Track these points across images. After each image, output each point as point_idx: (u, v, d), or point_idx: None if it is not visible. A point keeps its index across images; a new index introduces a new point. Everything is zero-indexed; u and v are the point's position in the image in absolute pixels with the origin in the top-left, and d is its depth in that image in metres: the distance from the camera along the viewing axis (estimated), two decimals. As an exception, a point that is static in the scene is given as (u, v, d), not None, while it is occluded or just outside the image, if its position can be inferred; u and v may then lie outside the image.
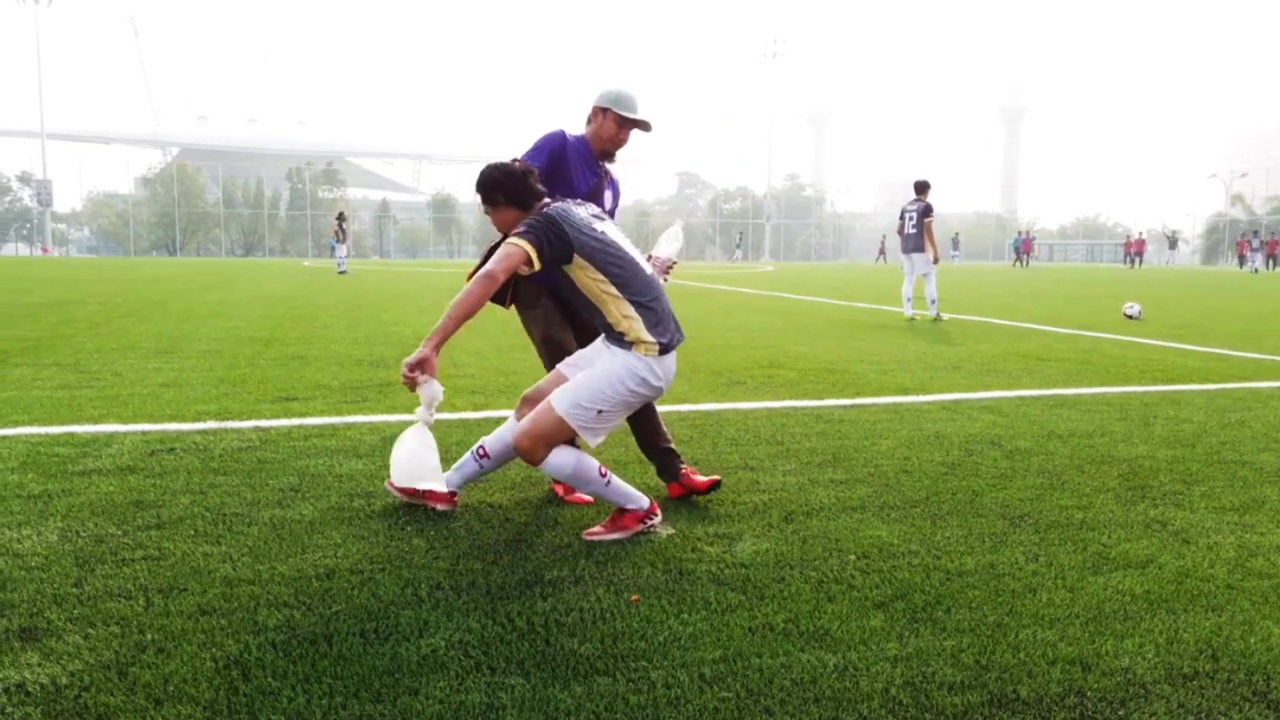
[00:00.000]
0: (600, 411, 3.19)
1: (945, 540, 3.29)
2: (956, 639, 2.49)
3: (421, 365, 3.24)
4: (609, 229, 3.36)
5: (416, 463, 3.49)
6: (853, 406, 5.88)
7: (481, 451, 3.58)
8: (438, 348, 3.24)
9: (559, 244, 3.20)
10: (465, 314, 3.19)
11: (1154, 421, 5.48)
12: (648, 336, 3.25)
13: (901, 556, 3.12)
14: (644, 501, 3.32)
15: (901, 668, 2.32)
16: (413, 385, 3.28)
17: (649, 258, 3.57)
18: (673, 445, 3.83)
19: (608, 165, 3.85)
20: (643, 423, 3.80)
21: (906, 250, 13.12)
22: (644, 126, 3.72)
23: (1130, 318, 12.95)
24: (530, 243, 3.18)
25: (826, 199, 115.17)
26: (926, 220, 12.85)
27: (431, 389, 3.33)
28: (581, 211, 3.33)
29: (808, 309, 15.03)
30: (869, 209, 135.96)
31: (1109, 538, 3.35)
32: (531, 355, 8.06)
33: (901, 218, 13.25)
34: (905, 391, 6.46)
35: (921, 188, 13.07)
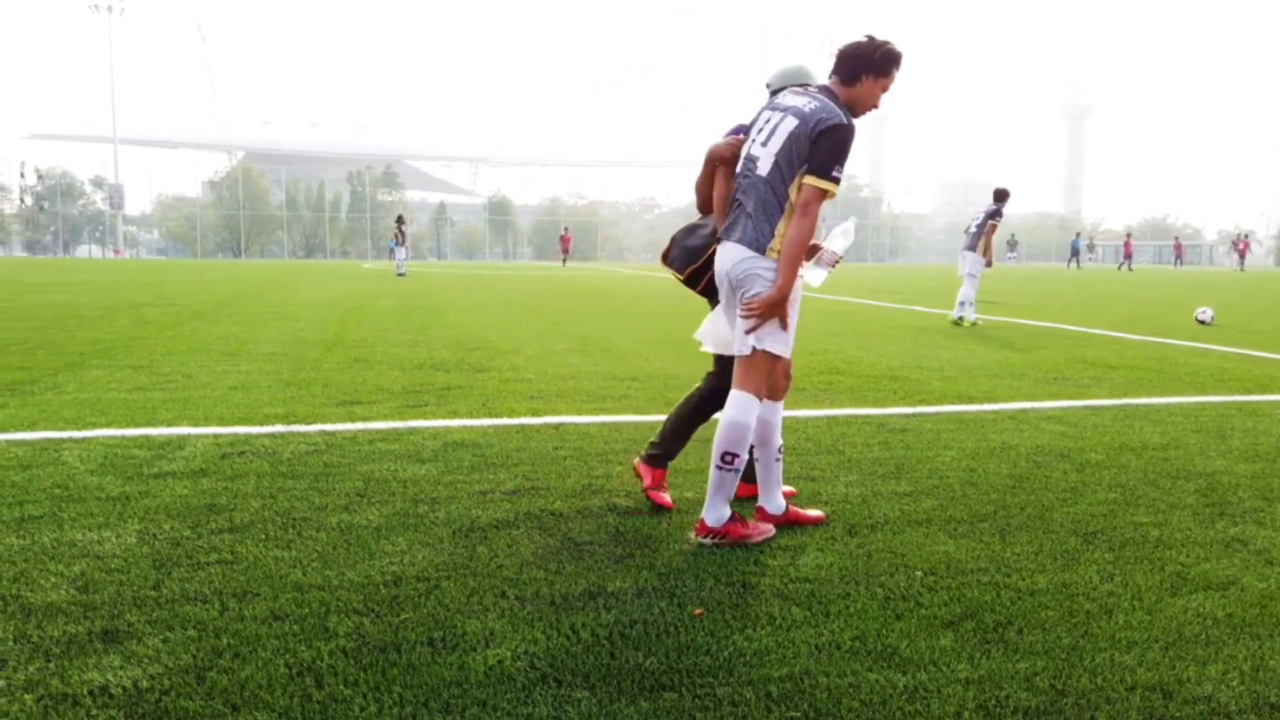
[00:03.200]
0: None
1: (1015, 557, 3.22)
2: (1030, 662, 2.43)
3: (785, 300, 3.23)
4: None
5: (718, 326, 3.51)
6: (915, 415, 5.79)
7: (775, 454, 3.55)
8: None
9: None
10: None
11: (1231, 434, 5.30)
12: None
13: (970, 573, 3.06)
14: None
15: (974, 691, 2.28)
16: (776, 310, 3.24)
17: (818, 250, 3.57)
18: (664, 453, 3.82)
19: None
20: (690, 416, 3.79)
21: (963, 248, 13.06)
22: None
23: (1203, 323, 12.56)
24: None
25: (884, 199, 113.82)
26: (990, 223, 12.70)
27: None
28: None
29: (866, 312, 14.86)
30: (927, 209, 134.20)
31: (1187, 557, 3.24)
32: (588, 359, 8.11)
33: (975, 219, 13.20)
34: (969, 400, 6.35)
35: (999, 195, 12.94)
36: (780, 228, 3.22)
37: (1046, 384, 7.15)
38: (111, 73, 66.31)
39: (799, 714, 2.16)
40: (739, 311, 3.30)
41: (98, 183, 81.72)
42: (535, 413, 5.71)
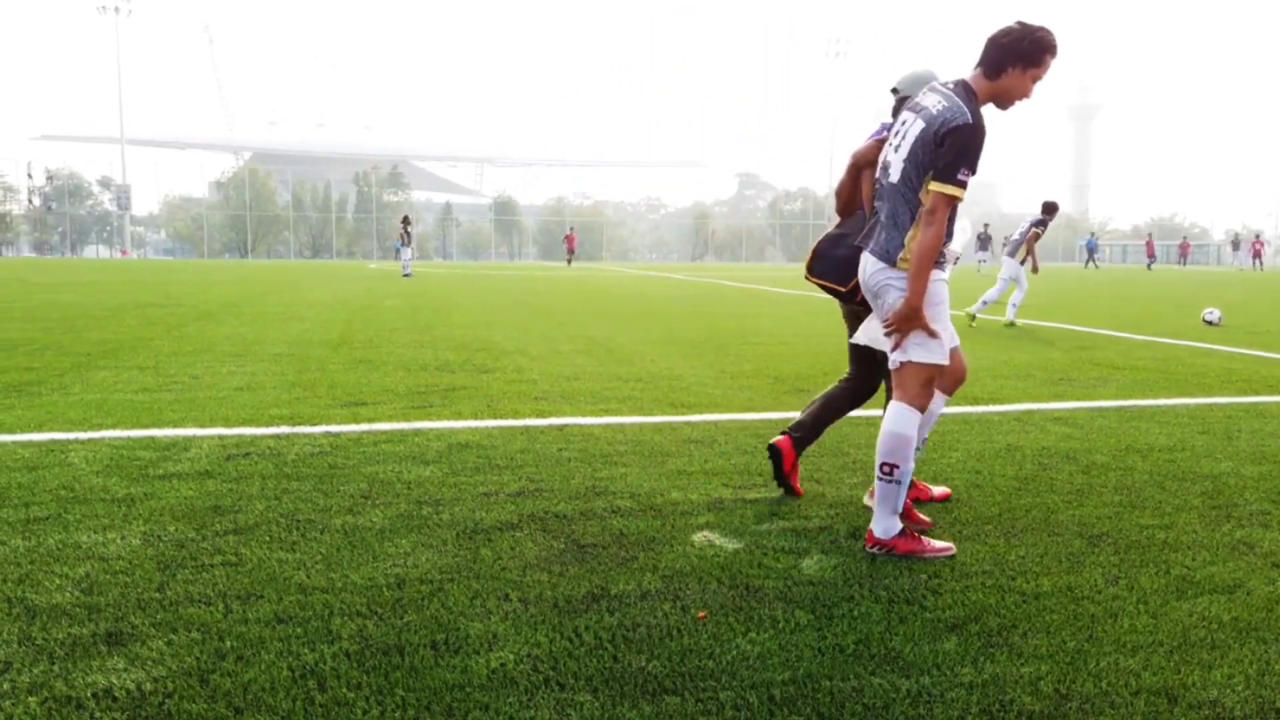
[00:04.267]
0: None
1: (1020, 560, 3.21)
2: (1034, 665, 2.42)
3: (919, 311, 3.18)
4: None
5: (874, 327, 3.50)
6: (920, 416, 5.77)
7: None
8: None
9: None
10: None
11: (1238, 435, 5.28)
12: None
13: (974, 576, 3.05)
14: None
15: (978, 695, 2.27)
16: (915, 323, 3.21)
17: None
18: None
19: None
20: (831, 406, 3.90)
21: (1005, 253, 13.22)
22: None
23: (1210, 324, 12.51)
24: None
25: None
26: (1034, 231, 12.86)
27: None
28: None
29: (871, 313, 14.83)
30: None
31: (1193, 560, 3.23)
32: (593, 359, 8.11)
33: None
34: (975, 401, 6.33)
35: (1048, 208, 13.03)
36: (910, 236, 3.18)
37: (1052, 385, 7.13)
38: (119, 74, 66.54)
39: (802, 718, 2.16)
40: (883, 328, 3.30)
41: (105, 183, 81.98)
42: (540, 414, 5.72)
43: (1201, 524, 3.64)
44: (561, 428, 5.31)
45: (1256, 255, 53.57)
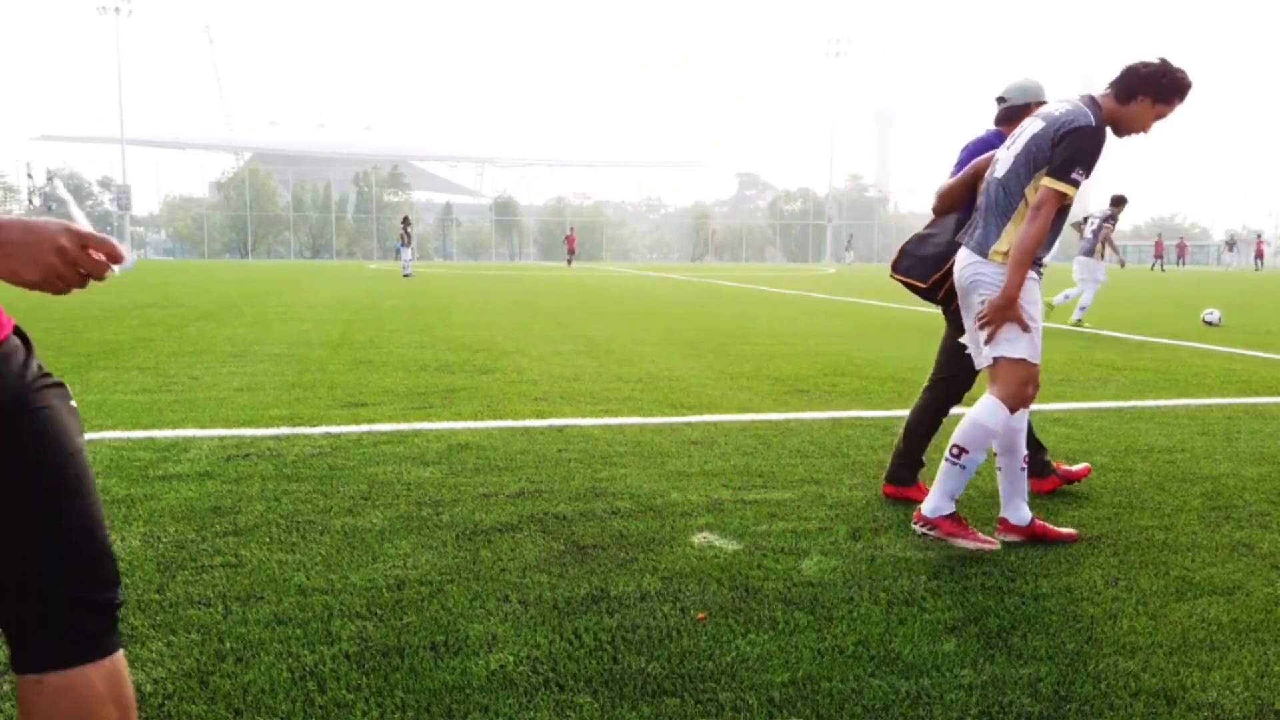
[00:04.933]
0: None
1: (1019, 561, 3.22)
2: (1034, 667, 2.43)
3: (1014, 301, 3.19)
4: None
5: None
6: (920, 417, 5.77)
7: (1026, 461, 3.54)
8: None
9: None
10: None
11: (1237, 436, 5.28)
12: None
13: (974, 578, 3.05)
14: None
15: (977, 696, 2.27)
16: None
17: None
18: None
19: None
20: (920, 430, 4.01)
21: (1079, 253, 13.16)
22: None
23: (1210, 324, 12.51)
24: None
25: (890, 200, 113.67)
26: (1105, 226, 12.80)
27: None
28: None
29: (871, 313, 14.84)
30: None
31: (1192, 561, 3.23)
32: (593, 360, 8.11)
33: (1084, 222, 13.22)
34: (974, 402, 6.32)
35: (1116, 200, 13.00)
36: (1009, 230, 3.21)
37: (1052, 385, 7.13)
38: (119, 74, 66.45)
39: (801, 719, 2.16)
40: (974, 323, 3.32)
41: (105, 183, 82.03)
42: (540, 415, 5.72)
43: (1201, 525, 3.64)
44: (561, 429, 5.32)
45: (1259, 255, 53.71)
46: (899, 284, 3.98)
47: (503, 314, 13.77)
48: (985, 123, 4.11)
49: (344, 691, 2.26)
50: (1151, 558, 3.26)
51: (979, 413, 3.26)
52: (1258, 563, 3.23)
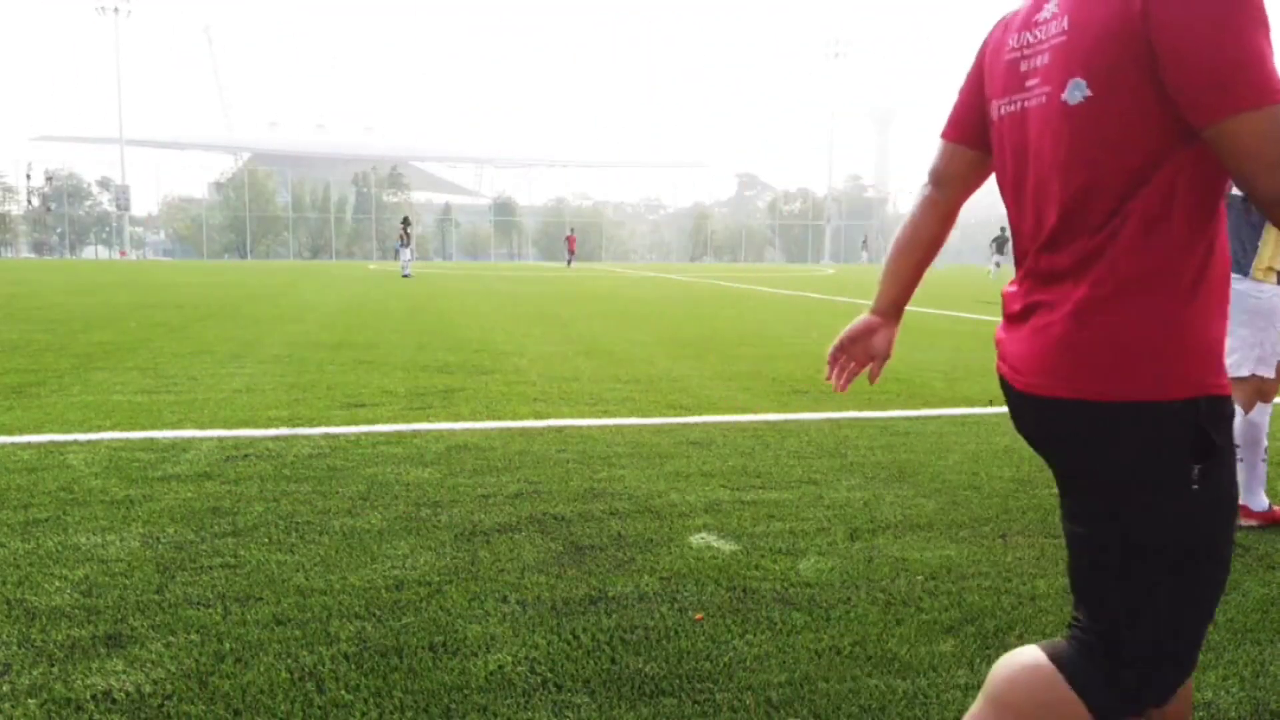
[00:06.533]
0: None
1: (1017, 561, 3.22)
2: (1030, 667, 2.43)
3: None
4: None
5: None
6: (918, 418, 5.79)
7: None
8: None
9: None
10: None
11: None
12: None
13: (971, 578, 3.06)
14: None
15: (974, 697, 2.27)
16: None
17: None
18: None
19: None
20: None
21: None
22: None
23: None
24: None
25: (889, 200, 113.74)
26: None
27: None
28: None
29: (870, 314, 14.82)
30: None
31: (1189, 562, 3.24)
32: (592, 361, 8.12)
33: None
34: (973, 403, 6.35)
35: None
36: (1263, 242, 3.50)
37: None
38: (118, 75, 66.55)
39: (798, 719, 2.17)
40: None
41: (104, 184, 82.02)
42: (538, 415, 5.72)
43: (1198, 526, 3.65)
44: (560, 429, 5.32)
45: None
46: None
47: (501, 314, 13.78)
48: None
49: (343, 692, 2.26)
50: (1148, 558, 3.27)
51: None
52: (1253, 563, 3.24)
